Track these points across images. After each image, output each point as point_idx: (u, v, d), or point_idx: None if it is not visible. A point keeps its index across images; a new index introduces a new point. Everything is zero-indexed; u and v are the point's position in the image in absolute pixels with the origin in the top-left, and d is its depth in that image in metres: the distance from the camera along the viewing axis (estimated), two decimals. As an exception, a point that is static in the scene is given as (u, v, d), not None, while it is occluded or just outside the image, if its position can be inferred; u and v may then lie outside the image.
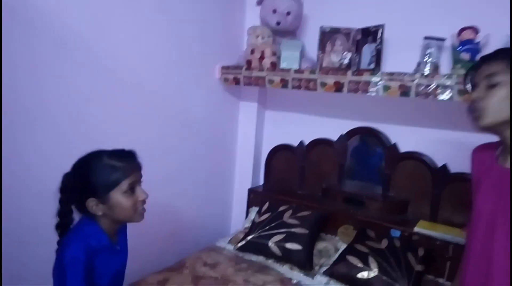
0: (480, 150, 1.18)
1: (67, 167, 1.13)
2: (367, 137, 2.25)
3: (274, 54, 2.18)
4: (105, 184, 1.09)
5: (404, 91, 1.74)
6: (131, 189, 1.12)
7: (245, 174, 2.58)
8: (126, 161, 1.13)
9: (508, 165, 1.01)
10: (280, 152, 2.52)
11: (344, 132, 2.28)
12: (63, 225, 1.14)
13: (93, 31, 1.62)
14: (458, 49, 1.74)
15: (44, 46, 1.45)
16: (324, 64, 2.06)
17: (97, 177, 1.09)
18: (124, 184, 1.10)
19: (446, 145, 1.99)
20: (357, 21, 2.02)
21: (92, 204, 1.10)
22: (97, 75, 1.66)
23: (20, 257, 1.51)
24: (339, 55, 2.04)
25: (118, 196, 1.10)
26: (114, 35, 1.70)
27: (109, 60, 1.70)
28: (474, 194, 1.13)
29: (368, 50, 1.96)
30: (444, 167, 1.98)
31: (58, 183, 1.13)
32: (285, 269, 1.94)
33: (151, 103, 1.93)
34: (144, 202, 1.16)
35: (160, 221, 2.09)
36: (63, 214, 1.14)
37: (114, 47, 1.71)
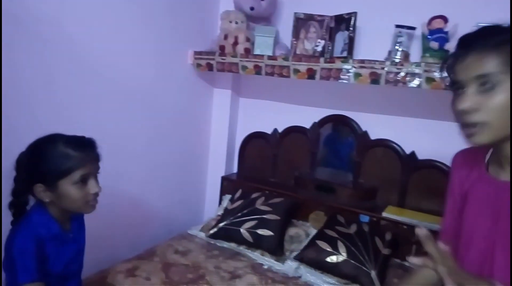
0: (465, 157, 0.98)
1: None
2: (339, 125, 2.28)
3: (248, 40, 2.15)
4: (55, 172, 1.05)
5: (374, 79, 1.76)
6: (83, 181, 1.08)
7: (219, 161, 2.56)
8: (82, 151, 1.09)
9: (504, 178, 0.83)
10: (254, 139, 2.51)
11: (317, 120, 2.30)
12: (16, 205, 1.10)
13: (61, 14, 1.55)
14: (427, 37, 1.77)
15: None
16: (298, 51, 2.06)
17: (48, 164, 1.05)
18: (76, 175, 1.06)
19: (415, 133, 2.03)
20: (331, 9, 2.02)
21: (39, 190, 1.06)
22: (64, 60, 1.59)
23: None
24: (313, 42, 2.04)
25: (68, 186, 1.06)
26: (82, 18, 1.63)
27: (77, 45, 1.64)
28: (456, 206, 0.96)
29: (341, 38, 1.97)
30: (413, 154, 2.02)
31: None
32: (256, 255, 1.95)
33: (121, 88, 1.87)
34: (96, 195, 1.11)
35: (131, 209, 2.05)
36: (16, 194, 1.10)
37: (81, 30, 1.64)
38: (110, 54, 1.79)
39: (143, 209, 2.14)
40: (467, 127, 0.78)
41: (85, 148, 1.10)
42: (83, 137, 1.12)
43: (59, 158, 1.05)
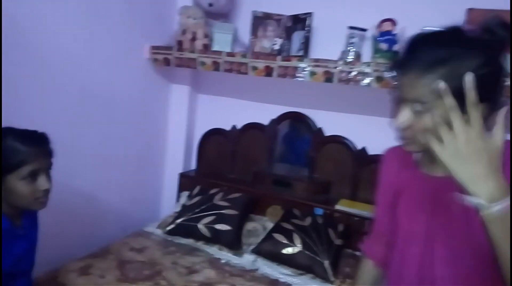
0: (396, 154, 0.98)
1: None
2: (296, 122, 2.34)
3: (206, 36, 2.16)
4: (2, 167, 1.01)
5: (328, 77, 1.83)
6: (33, 176, 1.05)
7: (176, 158, 2.54)
8: (33, 145, 1.06)
9: (439, 174, 0.85)
10: (212, 136, 2.52)
11: (274, 117, 2.34)
12: None
13: (10, 4, 1.46)
14: (377, 39, 1.87)
15: None
16: (256, 49, 2.09)
17: None
18: (24, 170, 1.02)
19: (365, 129, 2.14)
20: (288, 8, 2.07)
21: None
22: (13, 52, 1.51)
23: None
24: (271, 41, 2.09)
25: (16, 182, 1.03)
26: (32, 8, 1.56)
27: (27, 35, 1.56)
28: (388, 201, 0.97)
29: (297, 37, 2.03)
30: (363, 149, 2.13)
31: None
32: (214, 250, 1.97)
33: (73, 82, 1.80)
34: (46, 192, 1.08)
35: (84, 206, 1.99)
36: None
37: (32, 21, 1.57)
38: (62, 46, 1.72)
39: (97, 207, 2.08)
40: (402, 139, 0.80)
41: (36, 143, 1.07)
42: (34, 132, 1.09)
43: (7, 152, 1.01)
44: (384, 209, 1.01)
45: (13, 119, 1.52)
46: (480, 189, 0.64)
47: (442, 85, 0.69)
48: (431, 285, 0.84)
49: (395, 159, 0.98)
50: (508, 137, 0.75)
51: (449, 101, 0.67)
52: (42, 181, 1.06)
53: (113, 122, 2.09)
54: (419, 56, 0.73)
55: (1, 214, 1.05)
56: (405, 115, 0.75)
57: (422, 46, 0.74)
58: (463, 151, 0.65)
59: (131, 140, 2.24)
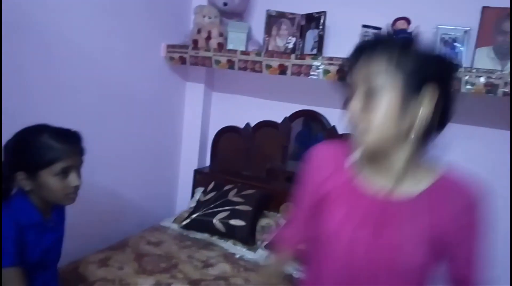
0: (331, 154, 0.90)
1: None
2: (309, 120, 2.36)
3: (221, 35, 2.19)
4: (36, 162, 1.05)
5: (342, 76, 1.85)
6: (65, 173, 1.08)
7: (191, 155, 2.58)
8: (66, 143, 1.09)
9: (380, 186, 0.80)
10: (226, 134, 2.55)
11: (288, 115, 2.37)
12: (1, 189, 1.10)
13: (33, 5, 1.53)
14: (391, 37, 1.87)
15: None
16: (269, 48, 2.12)
17: (31, 153, 1.05)
18: (57, 167, 1.06)
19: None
20: (302, 7, 2.09)
21: (20, 177, 1.07)
22: (37, 51, 1.58)
23: None
24: (284, 39, 2.11)
25: (48, 177, 1.06)
26: (54, 9, 1.62)
27: (50, 35, 1.62)
28: (314, 205, 0.88)
29: (311, 36, 2.05)
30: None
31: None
32: (228, 245, 2.01)
33: (93, 80, 1.86)
34: (76, 188, 1.12)
35: (103, 201, 2.05)
36: (2, 178, 1.10)
37: (54, 20, 1.63)
38: (82, 46, 1.78)
39: (116, 201, 2.14)
40: (354, 127, 0.77)
41: (69, 141, 1.11)
42: (68, 130, 1.13)
43: (42, 149, 1.05)
44: (303, 213, 0.94)
45: (36, 117, 1.59)
46: None
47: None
48: None
49: (330, 159, 0.89)
50: None
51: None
52: (73, 178, 1.10)
53: (131, 120, 2.15)
54: (375, 45, 0.74)
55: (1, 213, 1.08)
56: (358, 101, 0.74)
57: (377, 40, 0.78)
58: None
59: (147, 137, 2.30)
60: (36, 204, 1.11)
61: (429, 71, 0.71)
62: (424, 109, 0.72)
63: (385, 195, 0.79)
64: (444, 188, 0.78)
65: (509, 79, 1.58)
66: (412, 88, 0.70)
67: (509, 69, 1.63)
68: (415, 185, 0.78)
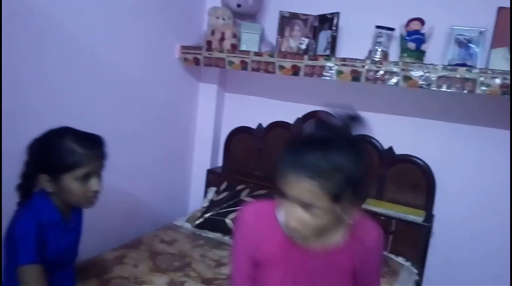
0: (258, 218, 0.95)
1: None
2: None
3: (234, 36, 2.21)
4: (59, 166, 1.07)
5: (355, 76, 1.85)
6: (86, 177, 1.09)
7: (204, 155, 2.61)
8: (89, 148, 1.10)
9: (313, 245, 0.92)
10: (239, 134, 2.57)
11: (300, 116, 2.37)
12: (24, 188, 1.13)
13: (54, 6, 1.57)
14: (405, 38, 1.87)
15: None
16: (282, 49, 2.13)
17: (54, 157, 1.07)
18: (80, 171, 1.07)
19: (392, 129, 2.14)
20: (315, 8, 2.09)
21: (43, 180, 1.09)
22: (54, 51, 1.61)
23: None
24: (297, 40, 2.12)
25: (70, 181, 1.08)
26: (73, 10, 1.65)
27: (68, 36, 1.65)
28: (247, 268, 0.95)
29: (324, 37, 2.05)
30: (390, 149, 2.13)
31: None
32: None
33: (109, 81, 1.90)
34: (96, 193, 1.13)
35: (117, 200, 2.08)
36: (25, 177, 1.12)
37: (72, 22, 1.66)
38: (99, 47, 1.81)
39: (130, 200, 2.17)
40: (291, 233, 0.87)
41: (92, 146, 1.11)
42: (92, 135, 1.14)
43: (65, 153, 1.06)
44: (244, 273, 0.96)
45: (53, 117, 1.63)
46: None
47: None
48: None
49: (259, 222, 0.95)
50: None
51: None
52: (94, 183, 1.11)
53: (145, 120, 2.18)
54: (302, 159, 0.80)
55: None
56: (296, 215, 0.82)
57: (305, 149, 0.83)
58: None
59: (161, 138, 2.33)
60: (57, 205, 1.14)
61: (351, 194, 0.83)
62: (344, 211, 0.85)
63: (315, 248, 0.92)
64: (357, 236, 0.95)
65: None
66: (338, 203, 0.81)
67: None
68: (335, 238, 0.94)
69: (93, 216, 1.89)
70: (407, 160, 2.09)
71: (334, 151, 0.81)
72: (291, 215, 0.83)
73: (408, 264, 1.97)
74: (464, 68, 1.66)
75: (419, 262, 1.98)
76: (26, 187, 1.14)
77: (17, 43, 1.48)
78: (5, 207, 1.39)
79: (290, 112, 2.39)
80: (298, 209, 0.81)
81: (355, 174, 0.81)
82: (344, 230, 0.94)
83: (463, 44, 1.83)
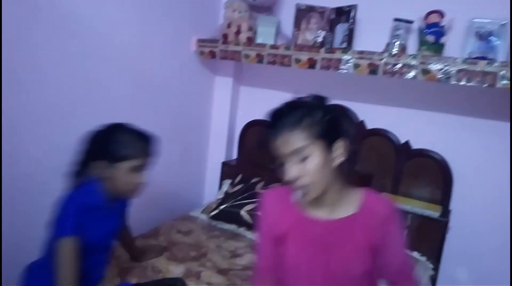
0: (275, 199, 1.09)
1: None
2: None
3: (250, 29, 2.21)
4: (117, 155, 1.18)
5: (373, 70, 1.84)
6: (137, 169, 1.20)
7: (219, 148, 2.63)
8: (145, 144, 1.23)
9: (326, 216, 1.01)
10: (253, 127, 2.58)
11: (315, 109, 2.37)
12: (77, 173, 1.23)
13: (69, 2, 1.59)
14: (424, 31, 1.84)
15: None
16: (298, 41, 2.12)
17: (115, 146, 1.19)
18: (133, 163, 1.19)
19: (409, 123, 2.12)
20: (332, 0, 2.08)
21: (100, 165, 1.19)
22: (74, 43, 1.64)
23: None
24: (314, 33, 2.11)
25: (123, 170, 1.19)
26: (90, 3, 1.68)
27: (85, 29, 1.68)
28: (270, 245, 1.07)
29: (341, 29, 2.04)
30: (407, 143, 2.11)
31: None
32: (255, 236, 2.04)
33: (126, 73, 1.92)
34: (141, 185, 1.24)
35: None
36: (80, 163, 1.22)
37: (90, 15, 1.69)
38: (117, 40, 1.84)
39: (147, 191, 2.20)
40: (300, 189, 0.95)
41: (147, 142, 1.24)
42: (147, 133, 1.26)
43: (124, 144, 1.19)
44: (267, 251, 1.09)
45: (73, 108, 1.67)
46: None
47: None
48: None
49: (276, 203, 1.08)
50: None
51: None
52: (141, 176, 1.23)
53: (161, 112, 2.21)
54: (284, 120, 0.93)
55: None
56: (292, 167, 0.92)
57: (282, 114, 0.95)
58: None
59: (177, 130, 2.36)
60: (105, 191, 1.22)
61: (335, 131, 0.96)
62: (339, 158, 0.96)
63: (327, 219, 1.01)
64: (368, 207, 1.00)
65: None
66: (329, 148, 0.93)
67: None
68: (347, 210, 1.01)
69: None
70: (424, 154, 2.07)
71: (303, 107, 0.96)
72: (291, 170, 0.92)
73: (423, 259, 1.97)
74: (485, 61, 1.63)
75: (435, 257, 1.98)
76: (79, 173, 1.23)
77: (38, 35, 1.51)
78: (5, 207, 1.46)
79: (305, 105, 2.39)
80: (295, 163, 0.92)
81: (326, 117, 0.94)
82: (354, 202, 1.01)
83: (484, 37, 1.80)
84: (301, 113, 0.93)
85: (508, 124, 1.90)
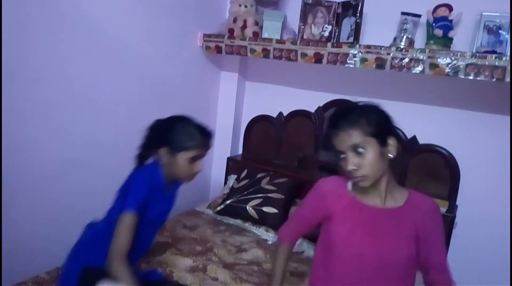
0: (332, 186, 1.21)
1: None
2: (343, 109, 2.34)
3: (256, 23, 2.20)
4: (179, 145, 1.31)
5: (380, 64, 1.82)
6: (194, 159, 1.33)
7: (225, 143, 2.63)
8: (204, 137, 1.35)
9: (379, 204, 1.13)
10: (259, 122, 2.58)
11: (321, 104, 2.36)
12: (141, 156, 1.37)
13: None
14: (432, 25, 1.82)
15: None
16: (305, 36, 2.11)
17: (179, 136, 1.32)
18: (191, 153, 1.31)
19: (416, 118, 2.10)
20: (338, -6, 2.06)
21: (164, 152, 1.32)
22: (77, 42, 1.64)
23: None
24: (320, 28, 2.09)
25: (182, 159, 1.32)
26: (94, 2, 1.68)
27: (91, 25, 1.68)
28: (310, 218, 1.23)
29: (347, 24, 2.02)
30: (414, 138, 2.10)
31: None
32: (261, 231, 2.04)
33: (132, 68, 1.93)
34: (197, 173, 1.38)
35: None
36: (145, 148, 1.37)
37: (96, 11, 1.69)
38: (123, 34, 1.84)
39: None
40: (356, 177, 1.07)
41: (206, 136, 1.36)
42: (207, 127, 1.39)
43: (188, 136, 1.32)
44: (304, 219, 1.27)
45: (77, 102, 1.67)
46: None
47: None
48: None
49: (332, 187, 1.21)
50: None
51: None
52: (197, 165, 1.35)
53: (168, 107, 2.18)
54: (343, 120, 1.07)
55: None
56: (351, 159, 1.05)
57: (342, 115, 1.09)
58: None
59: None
60: (165, 174, 1.36)
61: (387, 130, 1.10)
62: (390, 153, 1.10)
63: (377, 207, 1.12)
64: (414, 202, 1.13)
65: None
66: (383, 142, 1.07)
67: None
68: (395, 201, 1.13)
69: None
70: (431, 149, 2.06)
71: (359, 109, 1.10)
72: (349, 162, 1.06)
73: (429, 254, 1.96)
74: (494, 55, 1.61)
75: (441, 252, 1.96)
76: (143, 156, 1.38)
77: (45, 32, 1.51)
78: (5, 207, 1.47)
79: (311, 101, 2.38)
80: (352, 156, 1.05)
81: (379, 118, 1.09)
82: (401, 197, 1.14)
83: (493, 30, 1.78)
84: (358, 114, 1.08)
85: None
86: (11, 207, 1.50)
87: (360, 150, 1.04)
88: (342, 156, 1.08)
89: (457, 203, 2.04)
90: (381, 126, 1.08)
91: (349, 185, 1.16)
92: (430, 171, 2.08)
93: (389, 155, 1.10)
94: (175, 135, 1.33)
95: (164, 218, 1.45)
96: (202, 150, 1.35)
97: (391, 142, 1.10)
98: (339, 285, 1.12)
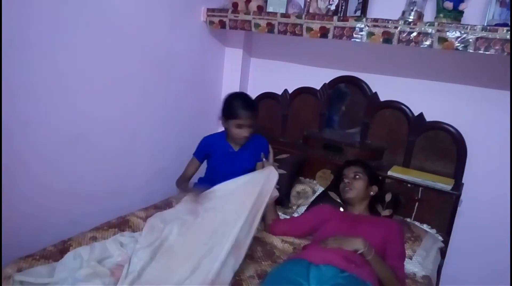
0: (329, 208, 1.84)
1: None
2: (349, 86, 2.30)
3: (261, -3, 2.14)
4: (228, 114, 1.80)
5: (387, 38, 1.77)
6: (240, 126, 1.78)
7: (229, 120, 2.61)
8: (246, 109, 1.76)
9: (353, 211, 1.79)
10: (264, 100, 2.55)
11: (327, 81, 2.32)
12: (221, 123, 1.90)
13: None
14: (442, -3, 1.76)
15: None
16: (311, 10, 2.05)
17: (229, 108, 1.80)
18: (236, 122, 1.77)
19: (423, 94, 2.06)
20: (346, -34, 1.99)
21: (222, 120, 1.85)
22: (76, 17, 1.60)
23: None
24: (326, 1, 2.03)
25: (231, 125, 1.80)
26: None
27: (89, 1, 1.66)
28: (309, 220, 1.80)
29: (355, -3, 1.96)
30: (421, 115, 2.06)
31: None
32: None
33: (134, 44, 1.89)
34: (244, 138, 1.82)
35: (146, 162, 2.14)
36: (219, 118, 1.87)
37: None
38: (125, 9, 1.80)
39: (156, 163, 2.22)
40: (346, 187, 1.78)
41: (249, 108, 1.78)
42: (252, 101, 1.87)
43: (233, 108, 1.78)
44: (305, 218, 1.85)
45: (79, 78, 1.65)
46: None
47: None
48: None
49: (329, 208, 1.84)
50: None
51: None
52: (244, 131, 1.80)
53: (171, 84, 2.19)
54: (353, 164, 1.84)
55: None
56: (350, 179, 1.79)
57: (353, 162, 1.87)
58: None
59: (187, 102, 2.34)
60: (227, 137, 1.90)
61: (375, 180, 1.84)
62: (371, 191, 1.80)
63: (353, 214, 1.76)
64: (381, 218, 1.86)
65: None
66: (369, 184, 1.79)
67: None
68: (363, 211, 1.80)
69: (125, 175, 1.98)
70: (438, 127, 2.03)
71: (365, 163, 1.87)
72: (348, 184, 1.77)
73: (433, 231, 1.96)
74: (505, 29, 1.56)
75: (445, 230, 1.96)
76: (222, 122, 1.87)
77: (44, 9, 1.49)
78: (13, 182, 1.48)
79: (316, 77, 2.35)
80: (351, 179, 1.77)
81: (374, 172, 1.85)
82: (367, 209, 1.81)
83: (505, 3, 1.71)
84: (364, 164, 1.84)
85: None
86: (19, 182, 1.52)
87: (357, 176, 1.77)
88: (344, 180, 1.79)
89: (463, 181, 2.02)
90: (373, 176, 1.82)
91: (341, 209, 1.86)
92: (437, 148, 2.05)
93: (369, 192, 1.79)
94: (227, 107, 1.80)
95: (237, 173, 1.76)
96: (245, 119, 1.76)
97: (374, 187, 1.80)
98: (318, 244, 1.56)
